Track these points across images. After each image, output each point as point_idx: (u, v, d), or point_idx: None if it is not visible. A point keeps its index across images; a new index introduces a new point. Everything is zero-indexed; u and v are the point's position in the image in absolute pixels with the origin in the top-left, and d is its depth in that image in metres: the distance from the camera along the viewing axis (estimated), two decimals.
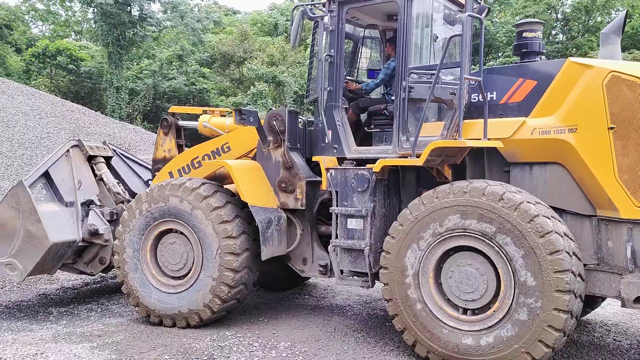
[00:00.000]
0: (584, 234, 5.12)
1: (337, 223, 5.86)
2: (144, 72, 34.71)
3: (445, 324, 4.98)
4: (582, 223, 5.14)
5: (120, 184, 7.67)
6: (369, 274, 5.68)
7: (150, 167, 8.08)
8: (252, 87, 30.70)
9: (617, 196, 4.80)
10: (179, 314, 6.14)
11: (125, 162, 8.29)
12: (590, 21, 31.58)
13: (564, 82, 5.13)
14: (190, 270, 6.21)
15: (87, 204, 7.13)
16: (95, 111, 20.19)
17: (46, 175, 6.97)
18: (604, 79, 4.89)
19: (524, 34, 5.74)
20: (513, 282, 4.70)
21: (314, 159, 6.18)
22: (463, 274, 4.98)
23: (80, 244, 6.91)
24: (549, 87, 5.22)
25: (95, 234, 6.95)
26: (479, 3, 6.09)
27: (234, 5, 75.87)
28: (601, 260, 5.04)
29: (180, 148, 7.58)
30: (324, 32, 6.23)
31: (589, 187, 5.02)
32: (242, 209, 6.23)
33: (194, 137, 8.32)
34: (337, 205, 5.85)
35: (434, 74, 5.51)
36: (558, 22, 32.51)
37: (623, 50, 28.09)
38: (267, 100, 30.04)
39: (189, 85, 33.64)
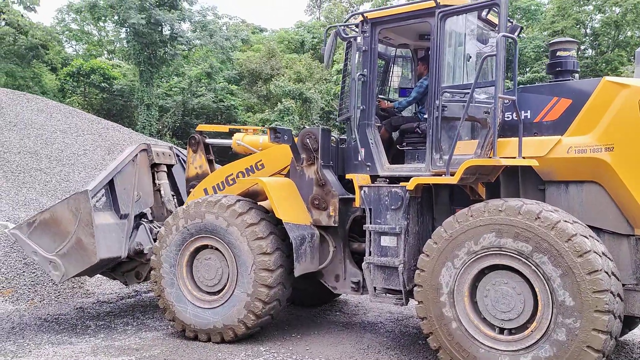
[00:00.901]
0: (622, 254, 5.06)
1: (370, 240, 5.89)
2: (173, 89, 35.37)
3: (482, 343, 4.95)
4: (620, 242, 5.09)
5: (174, 197, 7.84)
6: (402, 292, 5.69)
7: None
8: (279, 103, 31.01)
9: None
10: (214, 329, 6.22)
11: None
12: (620, 36, 31.18)
13: (599, 101, 5.11)
14: (225, 286, 6.30)
15: (139, 216, 7.31)
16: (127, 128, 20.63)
17: (110, 183, 7.16)
18: None
19: (558, 53, 5.74)
20: (551, 301, 4.66)
21: (347, 176, 6.25)
22: (499, 293, 4.96)
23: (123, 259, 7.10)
24: (584, 105, 5.20)
25: (139, 252, 7.13)
26: (512, 22, 6.12)
27: (261, 23, 77.02)
28: (639, 280, 4.97)
29: (210, 163, 7.74)
30: (357, 52, 6.32)
31: (626, 206, 4.97)
32: (276, 226, 6.31)
33: (221, 154, 8.48)
34: (370, 223, 5.88)
35: (467, 93, 5.55)
36: (587, 37, 32.16)
37: None
38: (293, 117, 30.28)
39: (217, 102, 34.13)
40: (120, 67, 37.48)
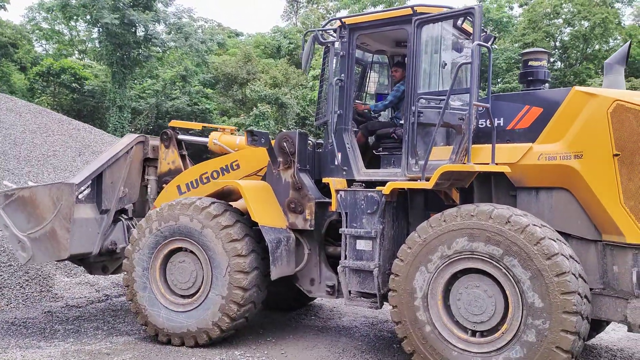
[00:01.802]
0: (590, 259, 5.21)
1: (346, 244, 5.94)
2: (147, 91, 34.98)
3: (455, 346, 5.03)
4: (588, 248, 5.23)
5: None
6: (377, 295, 5.74)
7: None
8: (254, 108, 30.95)
9: (623, 222, 4.90)
10: (188, 332, 6.18)
11: None
12: (588, 49, 32.03)
13: (569, 110, 5.26)
14: (199, 288, 6.27)
15: (120, 212, 7.25)
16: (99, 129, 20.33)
17: (98, 176, 7.05)
18: (609, 107, 5.02)
19: (530, 63, 5.91)
20: (521, 303, 4.77)
21: (324, 180, 6.30)
22: (471, 296, 5.05)
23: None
24: (555, 114, 5.35)
25: (111, 252, 7.05)
26: (485, 32, 6.28)
27: (237, 27, 76.72)
28: (607, 284, 5.12)
29: (183, 159, 7.70)
30: (335, 57, 6.40)
31: (594, 212, 5.13)
32: (251, 228, 6.32)
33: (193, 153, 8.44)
34: (346, 227, 5.93)
35: (442, 100, 5.66)
36: (556, 50, 32.95)
37: None
38: (269, 122, 30.26)
39: (191, 105, 33.85)
40: (91, 67, 36.91)
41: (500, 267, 4.87)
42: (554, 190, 5.37)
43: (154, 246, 6.43)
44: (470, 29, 6.29)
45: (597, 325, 6.32)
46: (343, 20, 6.38)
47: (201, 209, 6.23)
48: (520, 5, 36.32)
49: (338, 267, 5.96)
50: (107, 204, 7.10)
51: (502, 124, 5.62)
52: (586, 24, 30.85)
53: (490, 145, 5.48)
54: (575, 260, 4.87)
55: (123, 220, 7.26)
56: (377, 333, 7.15)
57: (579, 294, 4.62)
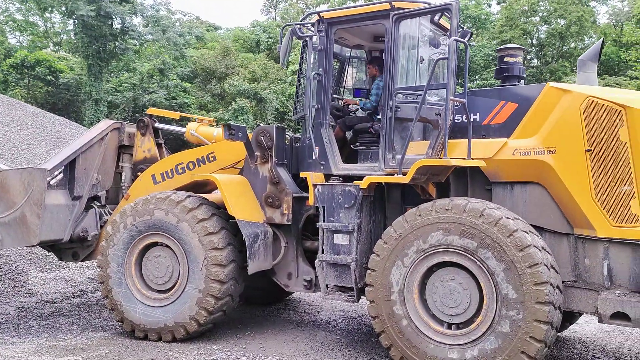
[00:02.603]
0: (562, 252, 5.30)
1: (323, 238, 5.95)
2: (123, 85, 34.51)
3: (431, 339, 5.09)
4: (560, 241, 5.33)
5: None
6: (354, 289, 5.77)
7: None
8: (233, 102, 30.76)
9: (594, 216, 5.00)
10: (165, 327, 6.15)
11: None
12: (564, 47, 32.49)
13: (543, 106, 5.35)
14: (176, 283, 6.24)
15: (92, 199, 7.17)
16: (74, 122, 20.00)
17: (71, 162, 6.95)
18: (582, 103, 5.11)
19: (505, 59, 5.99)
20: (495, 295, 4.84)
21: (301, 175, 6.29)
22: (447, 289, 5.11)
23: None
24: (529, 110, 5.43)
25: (82, 239, 6.99)
26: (462, 28, 6.33)
27: (216, 21, 76.00)
28: (578, 277, 5.23)
29: (159, 147, 7.64)
30: (313, 51, 6.40)
31: (567, 206, 5.22)
32: (228, 221, 6.30)
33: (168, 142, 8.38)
34: (324, 221, 5.94)
35: (419, 95, 5.71)
36: (533, 47, 33.37)
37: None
38: (248, 117, 30.12)
39: (169, 99, 33.49)
40: (67, 60, 36.24)
41: (475, 259, 4.94)
42: (528, 184, 5.45)
43: (129, 241, 6.38)
44: (447, 25, 6.34)
45: (570, 317, 6.46)
46: (321, 14, 6.37)
47: (176, 202, 6.19)
48: (498, 3, 36.67)
49: (315, 262, 5.98)
50: (80, 190, 7.01)
51: (477, 119, 5.69)
52: (562, 22, 31.27)
53: (466, 140, 5.53)
54: (548, 252, 4.96)
55: (95, 207, 7.19)
56: (355, 327, 7.20)
57: (551, 284, 4.71)
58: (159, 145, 7.57)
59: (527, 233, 4.88)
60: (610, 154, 4.97)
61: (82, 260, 7.35)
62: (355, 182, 5.80)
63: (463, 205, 5.04)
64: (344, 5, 7.11)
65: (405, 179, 5.39)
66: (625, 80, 26.86)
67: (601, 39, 6.43)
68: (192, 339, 6.22)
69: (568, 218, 5.26)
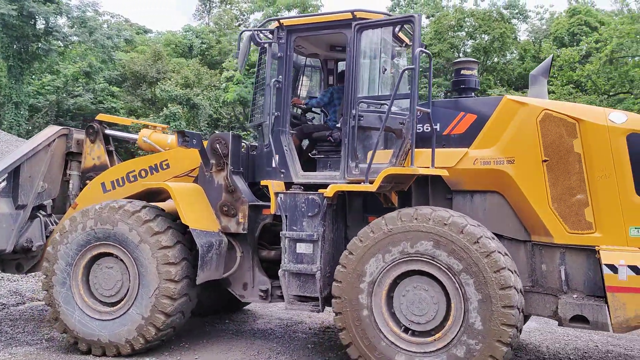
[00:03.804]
0: (520, 258, 5.47)
1: (286, 247, 5.83)
2: (46, 87, 32.77)
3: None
4: (518, 248, 5.50)
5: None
6: (319, 299, 5.68)
7: None
8: (165, 108, 29.94)
9: (551, 223, 5.19)
10: (109, 343, 5.84)
11: None
12: (488, 61, 34.01)
13: (501, 117, 5.51)
14: (124, 296, 5.97)
15: (38, 208, 6.77)
16: None
17: (16, 169, 6.56)
18: (538, 115, 5.31)
19: (462, 71, 6.14)
20: (462, 303, 4.90)
21: (263, 183, 6.15)
22: (417, 297, 5.12)
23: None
24: (488, 121, 5.57)
25: (26, 250, 6.55)
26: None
27: (146, 24, 73.77)
28: (535, 282, 5.41)
29: (110, 154, 7.31)
30: (272, 58, 6.29)
31: (525, 214, 5.39)
32: (184, 235, 6.07)
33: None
34: (286, 230, 5.82)
35: (382, 104, 5.74)
36: None
37: (517, 89, 30.27)
38: (180, 123, 29.42)
39: (96, 103, 32.12)
40: None
41: (442, 267, 4.97)
42: (487, 193, 5.60)
43: (84, 244, 6.04)
44: (404, 38, 6.44)
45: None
46: (281, 21, 6.28)
47: (132, 212, 5.91)
48: (428, 17, 37.90)
49: (279, 271, 5.83)
50: (24, 199, 6.60)
51: (438, 129, 5.77)
52: (486, 37, 32.73)
53: (427, 150, 5.60)
54: (509, 257, 5.08)
55: (41, 216, 6.75)
56: (291, 334, 7.15)
57: (515, 288, 4.82)
58: (109, 153, 7.21)
59: (491, 240, 4.98)
60: (565, 164, 5.18)
61: (26, 272, 6.88)
62: (320, 191, 5.71)
63: (428, 214, 5.08)
64: (304, 14, 7.13)
65: (372, 188, 5.37)
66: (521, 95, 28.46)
67: (551, 56, 6.74)
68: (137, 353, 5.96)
69: (526, 226, 5.44)
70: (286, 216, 5.83)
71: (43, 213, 6.82)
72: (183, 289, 5.86)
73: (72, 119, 31.82)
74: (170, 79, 32.84)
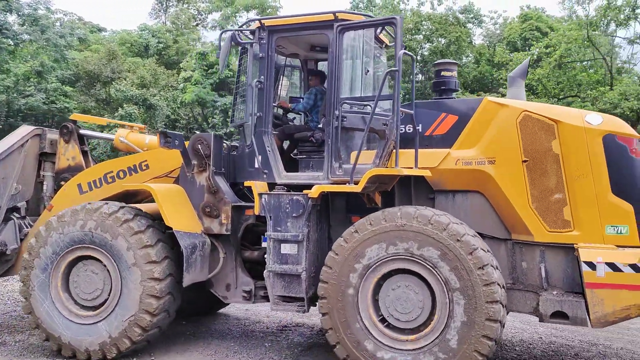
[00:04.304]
0: (500, 256, 5.62)
1: (270, 248, 5.81)
2: None
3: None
4: (499, 246, 5.65)
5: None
6: (304, 299, 5.69)
7: None
8: (120, 109, 29.23)
9: (531, 222, 5.36)
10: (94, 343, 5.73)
11: None
12: None
13: (482, 118, 5.66)
14: (107, 299, 5.83)
15: (11, 210, 6.56)
16: None
17: None
18: (518, 117, 5.48)
19: (442, 73, 6.27)
20: (447, 294, 5.02)
21: (246, 183, 6.12)
22: (403, 295, 5.20)
23: None
24: (469, 122, 5.71)
25: (1, 254, 6.34)
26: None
27: (101, 22, 71.60)
28: (516, 279, 5.57)
29: (85, 155, 7.13)
30: (253, 59, 6.26)
31: (505, 213, 5.55)
32: (164, 233, 5.98)
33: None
34: (271, 230, 5.81)
35: (365, 105, 5.81)
36: (418, 64, 35.26)
37: (472, 92, 30.95)
38: (136, 123, 28.82)
39: (48, 103, 31.04)
40: None
41: (426, 265, 5.07)
42: (469, 193, 5.74)
43: (66, 246, 5.90)
44: (384, 39, 6.54)
45: None
46: (262, 21, 6.26)
47: (109, 214, 5.78)
48: None
49: (264, 272, 5.81)
50: None
51: (420, 130, 5.87)
52: (443, 41, 33.44)
53: (409, 150, 5.70)
54: (491, 254, 5.19)
55: (15, 219, 6.53)
56: (249, 334, 7.20)
57: (498, 284, 4.95)
58: (84, 153, 7.01)
59: (473, 237, 5.10)
60: (544, 164, 5.37)
61: (1, 276, 6.61)
62: (305, 191, 5.72)
63: (412, 214, 5.18)
64: (285, 14, 7.14)
65: (357, 188, 5.42)
66: (497, 97, 29.31)
67: (528, 58, 6.97)
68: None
69: (506, 224, 5.60)
70: (270, 217, 5.81)
71: (17, 215, 6.60)
72: (167, 288, 5.78)
73: (23, 119, 30.60)
74: (125, 79, 32.07)
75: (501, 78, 30.78)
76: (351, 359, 5.25)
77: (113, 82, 31.69)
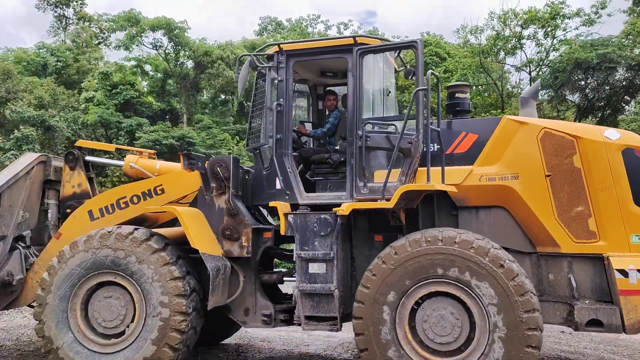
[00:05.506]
0: (525, 269, 6.47)
1: (298, 268, 6.40)
2: None
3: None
4: (523, 259, 6.56)
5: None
6: (337, 317, 6.29)
7: None
8: (15, 130, 28.49)
9: (558, 234, 6.33)
10: None
11: None
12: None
13: (503, 136, 6.62)
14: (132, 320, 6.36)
15: (17, 239, 6.83)
16: None
17: None
18: (538, 134, 6.47)
19: (457, 95, 7.21)
20: (482, 306, 5.79)
21: (271, 204, 6.71)
22: (439, 318, 5.92)
23: None
24: (489, 140, 6.62)
25: (6, 284, 6.46)
26: (406, 67, 7.42)
27: None
28: (543, 292, 6.48)
29: (91, 181, 7.53)
30: (271, 83, 6.88)
31: (531, 227, 6.50)
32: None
33: None
34: (299, 250, 6.40)
35: (388, 124, 6.56)
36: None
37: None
38: (34, 146, 28.18)
39: None
40: None
41: (462, 285, 5.83)
42: (492, 208, 6.65)
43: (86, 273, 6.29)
44: (394, 63, 7.39)
45: None
46: (281, 46, 6.94)
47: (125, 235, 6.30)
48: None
49: (295, 292, 6.36)
50: (5, 229, 6.70)
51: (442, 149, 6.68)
52: None
53: (433, 168, 6.48)
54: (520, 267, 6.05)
55: (20, 248, 6.72)
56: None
57: (532, 292, 5.78)
58: (90, 180, 7.33)
59: (500, 250, 5.91)
60: (567, 178, 6.36)
61: (5, 308, 6.71)
62: (335, 209, 6.33)
63: (436, 236, 5.91)
64: (304, 39, 7.84)
65: (390, 204, 6.16)
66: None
67: (539, 80, 8.08)
68: None
69: (531, 238, 6.54)
70: (298, 237, 6.42)
71: (22, 244, 6.79)
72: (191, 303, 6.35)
73: None
74: (22, 99, 31.29)
75: (404, 101, 32.97)
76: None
77: (8, 103, 30.75)
